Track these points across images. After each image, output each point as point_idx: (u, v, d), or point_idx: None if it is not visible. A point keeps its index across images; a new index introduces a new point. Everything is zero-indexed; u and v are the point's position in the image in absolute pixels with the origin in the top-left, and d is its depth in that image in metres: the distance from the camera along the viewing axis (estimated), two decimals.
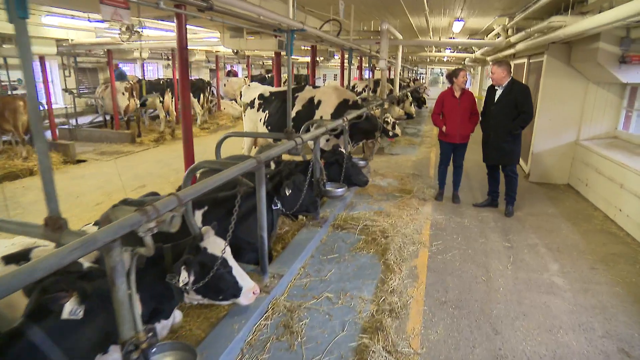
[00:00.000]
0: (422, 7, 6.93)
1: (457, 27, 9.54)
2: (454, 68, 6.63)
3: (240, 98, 7.88)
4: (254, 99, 7.36)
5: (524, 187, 7.48)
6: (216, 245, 2.78)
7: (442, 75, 31.89)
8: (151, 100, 15.14)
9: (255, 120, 7.36)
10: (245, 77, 21.95)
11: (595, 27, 5.21)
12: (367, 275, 4.37)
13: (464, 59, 17.92)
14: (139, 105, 14.20)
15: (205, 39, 10.56)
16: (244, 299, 2.88)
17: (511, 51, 9.24)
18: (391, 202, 6.64)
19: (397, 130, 11.30)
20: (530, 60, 9.04)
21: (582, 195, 7.25)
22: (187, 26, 10.14)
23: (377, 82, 13.76)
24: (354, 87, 14.34)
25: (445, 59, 23.15)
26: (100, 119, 15.58)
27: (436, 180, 7.03)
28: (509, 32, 9.56)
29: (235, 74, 22.84)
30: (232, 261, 2.87)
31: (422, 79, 34.80)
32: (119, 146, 12.72)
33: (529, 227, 5.82)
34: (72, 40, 10.84)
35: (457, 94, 6.36)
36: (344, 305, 3.82)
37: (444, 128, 6.40)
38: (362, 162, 6.76)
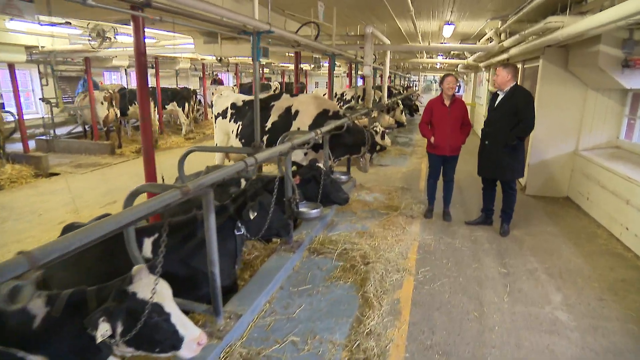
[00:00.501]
0: (409, 9, 6.41)
1: (448, 31, 9.04)
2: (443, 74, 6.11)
3: (211, 107, 7.30)
4: (226, 108, 6.80)
5: (520, 200, 6.90)
6: (150, 288, 2.24)
7: (434, 83, 31.44)
8: (133, 110, 14.59)
9: (227, 132, 6.79)
10: (234, 85, 21.46)
11: (596, 26, 4.69)
12: (341, 311, 3.78)
13: (457, 66, 17.47)
14: (118, 115, 13.63)
15: (181, 45, 10.02)
16: (187, 351, 2.31)
17: (504, 56, 8.75)
18: (376, 220, 6.06)
19: (387, 140, 10.75)
20: (525, 66, 8.54)
21: (583, 210, 6.70)
22: (160, 32, 9.66)
23: (365, 90, 13.27)
24: (342, 94, 13.84)
25: (438, 66, 22.74)
26: (80, 129, 14.96)
27: (426, 194, 6.46)
28: (502, 36, 9.08)
29: (221, 82, 22.28)
30: (170, 306, 2.31)
31: (415, 86, 34.40)
32: (97, 158, 12.13)
33: (526, 248, 5.25)
34: (42, 47, 10.30)
35: (447, 102, 5.82)
36: (311, 352, 3.22)
37: (432, 139, 5.85)
38: (343, 177, 6.21)
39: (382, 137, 10.53)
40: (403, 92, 18.51)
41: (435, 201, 6.32)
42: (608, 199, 5.92)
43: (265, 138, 6.44)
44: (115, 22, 6.50)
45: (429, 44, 8.79)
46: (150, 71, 21.46)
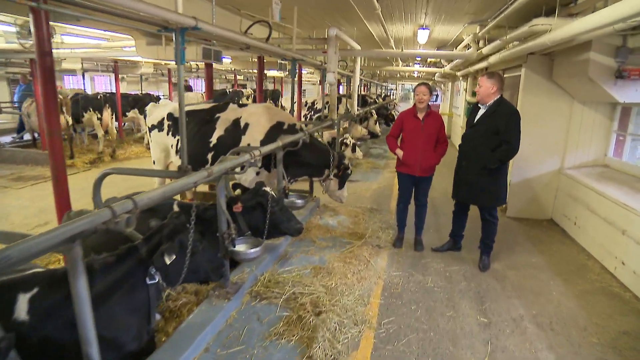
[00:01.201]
0: (374, 8, 5.64)
1: (423, 36, 8.35)
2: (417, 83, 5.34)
3: (145, 118, 6.37)
4: (162, 119, 5.87)
5: (501, 223, 6.04)
6: None
7: (412, 92, 31.07)
8: (88, 117, 13.48)
9: (165, 147, 5.87)
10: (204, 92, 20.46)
11: (589, 29, 3.98)
12: None
13: (434, 74, 16.90)
14: (69, 123, 12.51)
15: (126, 48, 9.05)
16: None
17: (483, 64, 8.09)
18: (337, 250, 5.22)
19: (358, 152, 9.98)
20: (505, 75, 7.87)
21: (569, 236, 6.00)
22: (115, 33, 8.71)
23: (338, 99, 12.50)
24: (313, 103, 13.03)
25: (415, 75, 22.22)
26: (29, 137, 13.75)
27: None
28: (480, 43, 8.44)
29: (189, 89, 21.21)
30: None
31: (393, 94, 33.89)
32: (44, 169, 10.96)
33: (510, 287, 4.48)
34: None
35: (420, 114, 5.04)
36: None
37: (400, 153, 5.07)
38: (299, 202, 5.36)
39: (353, 150, 9.77)
40: (379, 101, 17.82)
41: (406, 227, 5.53)
42: (599, 227, 5.22)
43: (210, 156, 5.55)
44: (55, 20, 5.55)
45: (402, 50, 8.08)
46: (127, 75, 20.46)
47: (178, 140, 5.77)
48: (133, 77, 20.42)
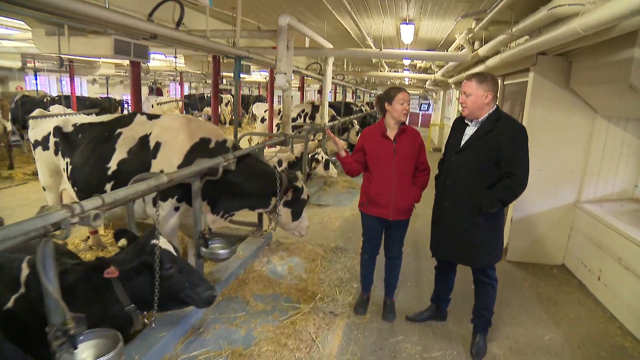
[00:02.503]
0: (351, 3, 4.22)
1: (407, 33, 6.94)
2: (387, 88, 3.85)
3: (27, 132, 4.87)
4: (47, 135, 4.36)
5: (499, 272, 4.57)
6: None
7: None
8: None
9: (56, 169, 4.40)
10: (178, 99, 18.96)
11: None
12: None
13: (425, 82, 15.53)
14: (8, 129, 10.99)
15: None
16: None
17: (480, 68, 6.69)
18: (274, 320, 3.72)
19: (332, 170, 8.51)
20: (505, 82, 6.46)
21: (591, 294, 4.55)
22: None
23: (316, 107, 11.06)
24: None
25: (407, 81, 20.85)
26: None
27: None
28: (476, 44, 7.04)
29: (160, 92, 19.69)
30: None
31: None
32: None
33: None
34: None
35: (392, 132, 3.59)
36: None
37: (343, 149, 3.66)
38: (222, 252, 3.80)
39: (326, 167, 8.30)
40: (366, 108, 16.37)
41: (372, 285, 4.05)
42: (636, 289, 3.78)
43: (109, 187, 4.05)
44: None
45: (381, 49, 6.66)
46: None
47: (67, 163, 4.26)
48: (102, 80, 18.92)
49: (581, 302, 4.42)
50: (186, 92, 25.71)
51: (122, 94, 22.51)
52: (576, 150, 5.00)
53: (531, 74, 5.00)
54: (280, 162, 8.12)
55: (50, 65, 14.50)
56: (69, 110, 4.62)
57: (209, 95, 21.23)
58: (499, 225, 3.29)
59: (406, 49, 9.01)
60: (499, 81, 6.38)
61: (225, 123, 20.76)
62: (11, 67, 11.33)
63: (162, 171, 3.92)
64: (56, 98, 12.37)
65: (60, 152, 4.26)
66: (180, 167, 3.92)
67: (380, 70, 13.38)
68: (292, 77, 10.07)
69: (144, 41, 5.20)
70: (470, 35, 6.47)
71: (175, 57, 8.86)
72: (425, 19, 6.63)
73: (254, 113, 14.00)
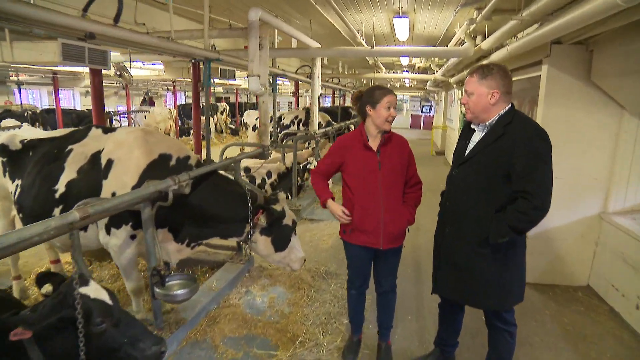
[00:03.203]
0: None
1: (401, 28, 6.29)
2: (371, 86, 3.18)
3: None
4: None
5: None
6: None
7: (405, 103, 28.88)
8: None
9: (3, 192, 3.79)
10: (172, 108, 18.40)
11: None
12: None
13: (425, 83, 14.85)
14: None
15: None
16: None
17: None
18: None
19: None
20: (513, 78, 5.77)
21: (624, 322, 3.85)
22: None
23: (309, 113, 10.41)
24: (280, 118, 10.93)
25: (407, 82, 20.18)
26: None
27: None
28: (478, 39, 6.38)
29: (152, 103, 19.13)
30: None
31: None
32: None
33: None
34: None
35: (374, 142, 2.91)
36: None
37: (337, 209, 2.95)
38: (180, 293, 3.08)
39: None
40: None
41: (364, 324, 3.37)
42: None
43: (58, 212, 3.42)
44: None
45: (373, 47, 6.00)
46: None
47: (16, 187, 3.64)
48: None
49: (616, 335, 3.71)
50: (184, 102, 25.23)
51: (117, 105, 22.06)
52: (600, 154, 4.30)
53: (544, 66, 4.31)
54: (269, 174, 7.46)
55: (38, 78, 14.02)
56: (9, 132, 3.97)
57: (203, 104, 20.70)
58: (517, 257, 2.60)
59: (402, 46, 8.35)
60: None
61: (222, 132, 20.21)
62: None
63: (114, 194, 3.30)
64: (39, 112, 11.83)
65: (7, 174, 3.65)
66: (135, 188, 3.28)
67: (378, 72, 12.72)
68: (279, 81, 9.45)
69: (105, 46, 4.57)
70: (471, 28, 5.80)
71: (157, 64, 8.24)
72: (421, 10, 5.95)
73: (244, 121, 13.39)
